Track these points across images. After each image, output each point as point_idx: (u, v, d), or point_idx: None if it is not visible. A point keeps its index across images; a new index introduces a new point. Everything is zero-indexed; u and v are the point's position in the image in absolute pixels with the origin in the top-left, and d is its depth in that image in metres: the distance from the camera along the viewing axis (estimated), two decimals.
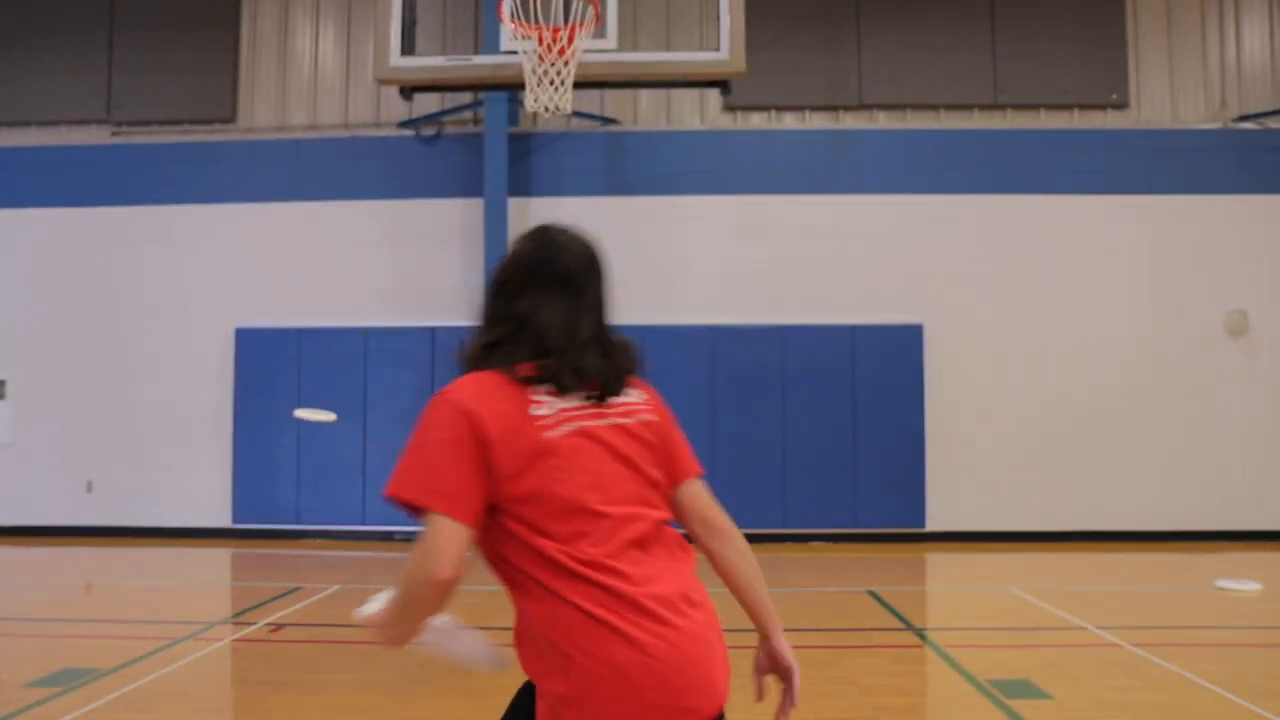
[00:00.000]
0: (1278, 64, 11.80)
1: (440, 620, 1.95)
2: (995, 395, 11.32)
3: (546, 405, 1.84)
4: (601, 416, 1.89)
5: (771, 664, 2.00)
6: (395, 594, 1.81)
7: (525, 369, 1.86)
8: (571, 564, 1.76)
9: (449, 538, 1.73)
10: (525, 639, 1.81)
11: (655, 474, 1.92)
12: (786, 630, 1.98)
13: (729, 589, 1.99)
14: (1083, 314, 11.38)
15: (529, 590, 1.79)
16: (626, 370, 1.96)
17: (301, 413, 7.84)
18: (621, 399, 1.94)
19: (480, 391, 1.83)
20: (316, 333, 11.52)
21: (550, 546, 1.77)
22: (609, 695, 1.71)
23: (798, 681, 1.98)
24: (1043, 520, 11.12)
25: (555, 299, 1.92)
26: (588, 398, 1.88)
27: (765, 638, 2.00)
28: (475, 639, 1.99)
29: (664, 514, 1.92)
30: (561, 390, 1.86)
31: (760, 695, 2.01)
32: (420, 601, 1.77)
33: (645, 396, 2.00)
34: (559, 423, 1.84)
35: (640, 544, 1.82)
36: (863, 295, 11.37)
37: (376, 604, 1.94)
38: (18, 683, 5.23)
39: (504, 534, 1.81)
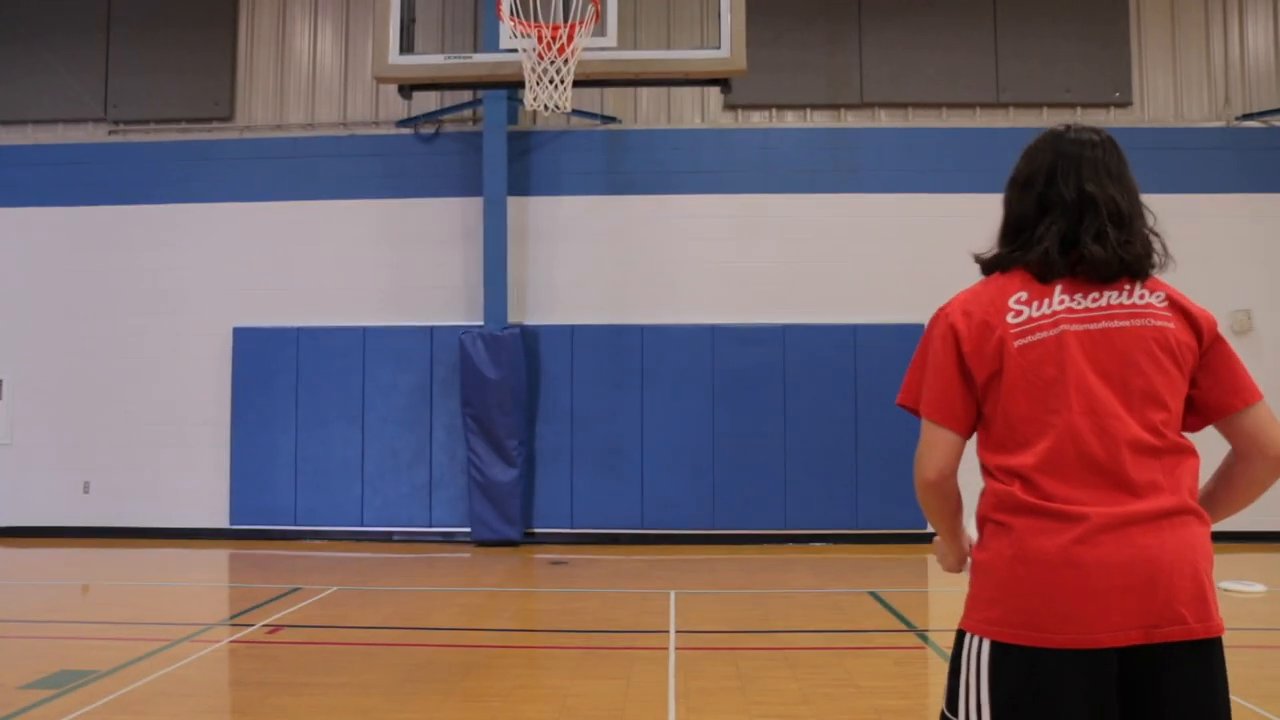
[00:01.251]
0: None
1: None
2: None
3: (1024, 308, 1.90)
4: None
5: None
6: None
7: (1015, 267, 2.00)
8: None
9: (930, 442, 1.89)
10: None
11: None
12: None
13: None
14: None
15: None
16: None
17: None
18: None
19: (969, 298, 1.96)
20: (315, 332, 11.48)
21: None
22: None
23: None
24: None
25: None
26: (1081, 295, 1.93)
27: None
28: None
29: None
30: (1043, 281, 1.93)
31: None
32: (924, 505, 1.96)
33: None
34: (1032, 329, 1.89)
35: None
36: (864, 294, 11.31)
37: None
38: (13, 684, 5.19)
39: None
